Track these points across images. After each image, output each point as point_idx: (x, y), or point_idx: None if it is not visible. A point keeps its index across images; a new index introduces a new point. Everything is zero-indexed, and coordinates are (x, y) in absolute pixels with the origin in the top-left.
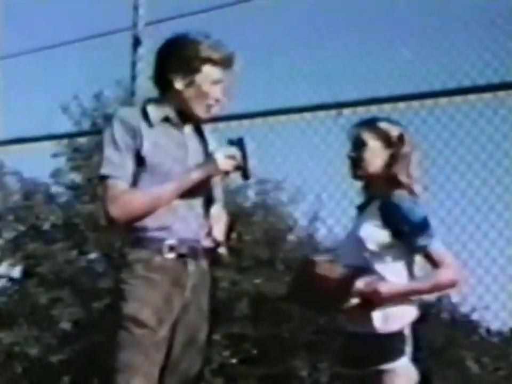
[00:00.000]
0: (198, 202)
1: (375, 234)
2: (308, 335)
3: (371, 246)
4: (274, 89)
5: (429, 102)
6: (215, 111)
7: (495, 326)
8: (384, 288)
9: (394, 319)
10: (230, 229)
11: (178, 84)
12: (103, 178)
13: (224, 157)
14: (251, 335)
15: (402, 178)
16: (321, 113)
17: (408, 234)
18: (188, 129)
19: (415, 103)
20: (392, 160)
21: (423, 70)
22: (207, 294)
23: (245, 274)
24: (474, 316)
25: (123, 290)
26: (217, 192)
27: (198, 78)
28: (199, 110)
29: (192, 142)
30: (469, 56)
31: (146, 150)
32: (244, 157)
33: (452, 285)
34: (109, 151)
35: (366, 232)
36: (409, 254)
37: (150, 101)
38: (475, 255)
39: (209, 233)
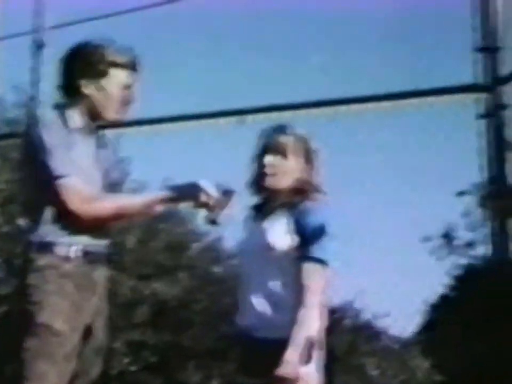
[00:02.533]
0: None
1: (284, 240)
2: (209, 342)
3: (279, 250)
4: (172, 95)
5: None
6: (125, 114)
7: (395, 332)
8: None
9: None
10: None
11: (86, 89)
12: (59, 178)
13: (204, 192)
14: (151, 342)
15: (309, 189)
16: (221, 121)
17: (307, 245)
18: (96, 139)
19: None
20: (307, 173)
21: (337, 75)
22: (106, 299)
23: (145, 281)
24: (377, 322)
25: (33, 296)
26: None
27: (105, 81)
28: (109, 112)
29: (100, 153)
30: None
31: (74, 154)
32: (220, 203)
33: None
34: (58, 152)
35: (276, 236)
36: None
37: (61, 106)
38: (376, 259)
39: (111, 239)
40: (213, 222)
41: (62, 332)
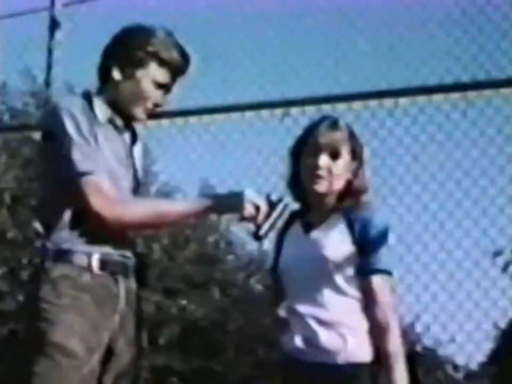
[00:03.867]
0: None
1: (344, 251)
2: (244, 368)
3: (342, 265)
4: (211, 85)
5: (388, 101)
6: (148, 116)
7: (461, 361)
8: None
9: (363, 348)
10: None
11: (117, 74)
12: (83, 175)
13: (251, 203)
14: (178, 368)
15: (362, 191)
16: (265, 113)
17: (369, 255)
18: (128, 136)
19: (373, 103)
20: (356, 173)
21: (383, 66)
22: (133, 317)
23: (172, 298)
24: (439, 350)
25: (46, 311)
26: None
27: (140, 72)
28: (135, 109)
29: (130, 151)
30: (436, 52)
31: (102, 149)
32: (269, 216)
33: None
34: (84, 145)
35: (334, 249)
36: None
37: (90, 93)
38: (437, 276)
39: (134, 248)
40: (260, 238)
41: (77, 353)
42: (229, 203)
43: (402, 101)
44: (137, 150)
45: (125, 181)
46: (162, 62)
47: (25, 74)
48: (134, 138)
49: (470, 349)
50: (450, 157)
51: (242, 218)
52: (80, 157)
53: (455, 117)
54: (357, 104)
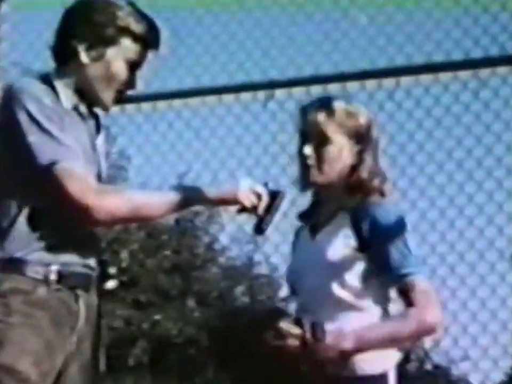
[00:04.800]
0: None
1: (348, 258)
2: None
3: (345, 273)
4: (182, 65)
5: (388, 81)
6: (118, 101)
7: (476, 380)
8: (348, 342)
9: (377, 359)
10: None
11: (84, 56)
12: (55, 163)
13: (248, 189)
14: None
15: (372, 180)
16: (245, 96)
17: (384, 259)
18: (92, 125)
19: (371, 82)
20: (360, 158)
21: (382, 41)
22: (92, 338)
23: (144, 311)
24: (452, 368)
25: None
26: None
27: (111, 52)
28: (105, 96)
29: (100, 145)
30: (443, 26)
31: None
32: (270, 208)
33: (429, 331)
34: (49, 130)
35: (336, 255)
36: (383, 285)
37: (50, 77)
38: (446, 282)
39: (99, 256)
40: (262, 231)
41: (29, 378)
42: (226, 191)
43: (404, 80)
44: (101, 140)
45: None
46: (135, 37)
47: None
48: (98, 128)
49: (485, 367)
50: (460, 144)
51: (242, 209)
52: (50, 144)
53: (465, 98)
54: (352, 85)
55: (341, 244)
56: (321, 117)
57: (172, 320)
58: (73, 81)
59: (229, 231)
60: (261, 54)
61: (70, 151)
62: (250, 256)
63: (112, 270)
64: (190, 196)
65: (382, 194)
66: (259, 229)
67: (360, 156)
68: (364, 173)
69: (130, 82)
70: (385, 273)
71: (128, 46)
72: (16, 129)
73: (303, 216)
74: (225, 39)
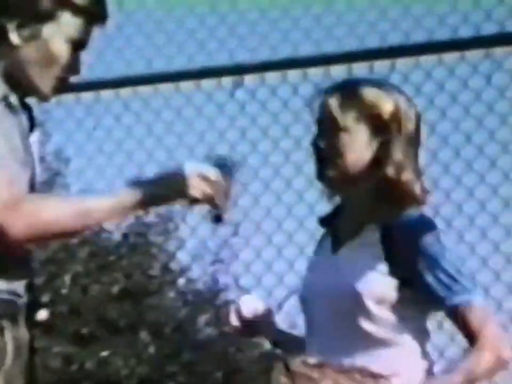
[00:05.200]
0: None
1: (377, 283)
2: None
3: (372, 302)
4: (131, 47)
5: (381, 63)
6: (60, 88)
7: None
8: None
9: None
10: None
11: (14, 36)
12: None
13: (198, 177)
14: None
15: (410, 184)
16: (208, 82)
17: (431, 285)
18: (24, 119)
19: (359, 65)
20: (384, 152)
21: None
22: (23, 379)
23: (87, 347)
24: None
25: None
26: None
27: (48, 29)
28: (43, 83)
29: (33, 144)
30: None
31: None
32: (228, 189)
33: (504, 364)
34: None
35: (362, 279)
36: (422, 312)
37: None
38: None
39: (31, 279)
40: (219, 219)
41: None
42: (170, 185)
43: (401, 62)
44: (35, 137)
45: (20, 179)
46: (76, 10)
47: None
48: (31, 123)
49: None
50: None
51: (193, 201)
52: None
53: (477, 83)
54: (337, 69)
55: (368, 265)
56: (335, 101)
57: (122, 357)
58: (2, 66)
59: (189, 248)
60: (226, 33)
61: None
62: (216, 278)
63: (45, 298)
64: (135, 197)
65: (421, 202)
66: (217, 217)
67: (384, 148)
68: (389, 169)
69: (72, 66)
70: (434, 301)
71: (68, 21)
72: None
73: (325, 221)
74: (183, 14)
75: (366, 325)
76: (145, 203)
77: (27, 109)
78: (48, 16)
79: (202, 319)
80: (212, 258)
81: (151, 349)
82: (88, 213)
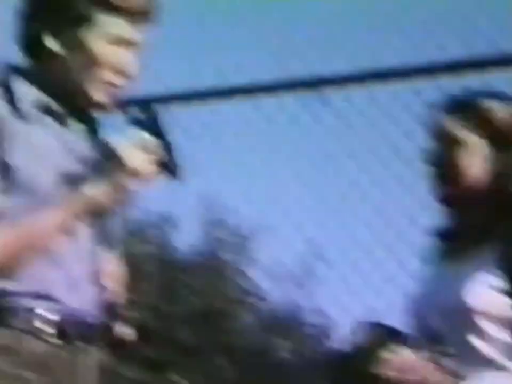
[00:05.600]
0: (90, 246)
1: (493, 303)
2: None
3: (487, 322)
4: (214, 60)
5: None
6: (120, 92)
7: None
8: None
9: None
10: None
11: (52, 43)
12: None
13: (136, 152)
14: None
15: None
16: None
17: None
18: (78, 126)
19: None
20: (505, 167)
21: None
22: None
23: (159, 371)
24: None
25: None
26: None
27: (85, 33)
28: (93, 90)
29: (84, 148)
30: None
31: (15, 156)
32: (165, 142)
33: None
34: None
35: (477, 298)
36: None
37: (14, 71)
38: None
39: (107, 300)
40: (172, 173)
41: None
42: (107, 172)
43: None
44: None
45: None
46: (113, 9)
47: None
48: (93, 129)
49: None
50: None
51: (138, 174)
52: None
53: None
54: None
55: (483, 282)
56: (452, 117)
57: (196, 382)
58: (48, 77)
59: (268, 268)
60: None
61: None
62: (296, 301)
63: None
64: (78, 200)
65: None
66: (172, 171)
67: (504, 163)
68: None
69: (122, 68)
70: None
71: (107, 21)
72: None
73: (443, 235)
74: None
75: (476, 342)
76: (95, 200)
77: (87, 118)
78: (85, 19)
79: (280, 342)
80: (293, 281)
81: (227, 374)
82: (38, 235)
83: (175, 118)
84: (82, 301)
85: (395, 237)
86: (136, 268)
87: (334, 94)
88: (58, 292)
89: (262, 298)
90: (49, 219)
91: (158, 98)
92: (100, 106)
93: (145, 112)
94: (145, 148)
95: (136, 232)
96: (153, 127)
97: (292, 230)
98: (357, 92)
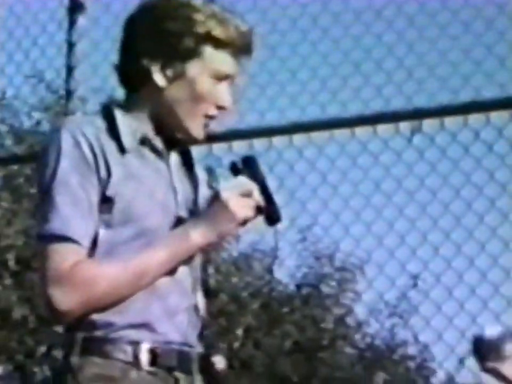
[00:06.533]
0: (187, 281)
1: None
2: None
3: None
4: (307, 94)
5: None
6: (216, 126)
7: None
8: None
9: None
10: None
11: (159, 77)
12: (49, 239)
13: (237, 198)
14: None
15: None
16: (383, 128)
17: None
18: (174, 158)
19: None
20: None
21: None
22: None
23: None
24: None
25: None
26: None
27: (192, 68)
28: (192, 124)
29: (181, 181)
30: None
31: (116, 190)
32: (263, 187)
33: None
34: (60, 196)
35: None
36: None
37: (114, 105)
38: None
39: (201, 332)
40: (273, 219)
41: None
42: (216, 219)
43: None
44: (200, 178)
45: (166, 223)
46: (219, 44)
47: (36, 78)
48: (188, 163)
49: None
50: None
51: (244, 222)
52: (56, 212)
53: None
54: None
55: None
56: None
57: None
58: (148, 110)
59: (365, 301)
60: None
61: (81, 227)
62: (394, 333)
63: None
64: (184, 244)
65: None
66: (272, 218)
67: None
68: None
69: (221, 102)
70: None
71: (212, 57)
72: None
73: None
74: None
75: None
76: (198, 244)
77: (183, 150)
78: (192, 54)
79: (379, 376)
80: (390, 312)
81: None
82: (144, 273)
83: (279, 153)
84: (181, 331)
85: (502, 278)
86: (237, 300)
87: (436, 130)
88: (158, 323)
89: (362, 332)
90: (155, 257)
91: (260, 132)
92: (195, 140)
93: (244, 158)
94: (245, 193)
95: (239, 264)
96: (253, 173)
97: (395, 265)
98: (457, 126)
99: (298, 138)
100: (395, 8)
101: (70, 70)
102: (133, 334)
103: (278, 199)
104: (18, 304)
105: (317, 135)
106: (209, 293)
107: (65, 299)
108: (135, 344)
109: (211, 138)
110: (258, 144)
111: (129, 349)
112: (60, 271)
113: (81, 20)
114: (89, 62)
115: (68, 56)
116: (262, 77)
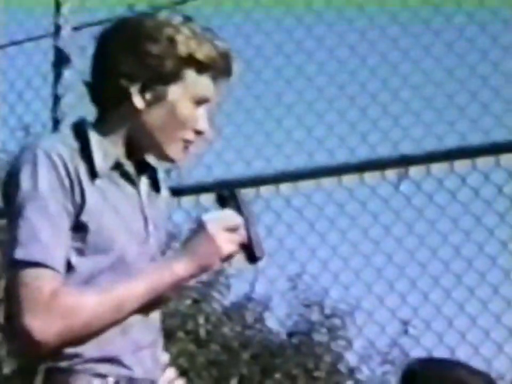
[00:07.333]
0: (154, 317)
1: None
2: None
3: None
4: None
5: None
6: (194, 151)
7: None
8: None
9: None
10: None
11: (137, 99)
12: (26, 265)
13: (224, 232)
14: None
15: None
16: (370, 175)
17: None
18: (143, 182)
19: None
20: None
21: None
22: None
23: None
24: None
25: None
26: None
27: (172, 91)
28: (171, 148)
29: (150, 207)
30: None
31: (90, 217)
32: (247, 222)
33: None
34: (38, 222)
35: None
36: None
37: (87, 125)
38: None
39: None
40: (254, 257)
41: None
42: (200, 253)
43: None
44: (162, 201)
45: (133, 252)
46: (201, 68)
47: (22, 131)
48: (156, 185)
49: None
50: None
51: (227, 257)
52: (30, 236)
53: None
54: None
55: None
56: None
57: None
58: (122, 132)
59: (357, 348)
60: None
61: (55, 252)
62: (386, 379)
63: None
64: (166, 275)
65: None
66: (254, 256)
67: None
68: None
69: (199, 127)
70: None
71: (195, 81)
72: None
73: None
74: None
75: None
76: (181, 277)
77: (151, 169)
78: (174, 77)
79: None
80: (381, 359)
81: None
82: (124, 305)
83: (266, 202)
84: (144, 366)
85: (492, 323)
86: (227, 349)
87: (422, 175)
88: (123, 357)
89: (354, 378)
90: (136, 289)
91: (247, 181)
92: (172, 161)
93: (231, 189)
94: (231, 228)
95: (227, 313)
96: (239, 205)
97: (384, 312)
98: (444, 172)
99: (285, 187)
100: (379, 56)
101: (56, 122)
102: (99, 367)
103: (266, 245)
104: None
105: (304, 184)
106: None
107: (43, 329)
108: (102, 377)
109: (200, 188)
110: (246, 193)
111: (96, 382)
112: (38, 299)
113: (67, 73)
114: (75, 115)
115: (53, 109)
116: (248, 127)
